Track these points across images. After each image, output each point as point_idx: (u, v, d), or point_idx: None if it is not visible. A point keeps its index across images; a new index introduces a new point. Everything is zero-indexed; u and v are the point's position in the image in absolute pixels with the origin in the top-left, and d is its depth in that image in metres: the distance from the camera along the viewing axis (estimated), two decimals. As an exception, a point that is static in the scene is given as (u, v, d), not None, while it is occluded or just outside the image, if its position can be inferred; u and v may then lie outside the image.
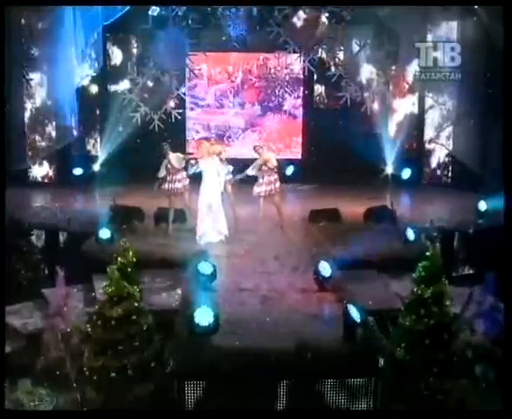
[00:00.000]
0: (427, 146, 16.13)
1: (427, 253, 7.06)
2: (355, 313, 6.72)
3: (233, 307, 7.56)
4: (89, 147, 16.53)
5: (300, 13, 14.21)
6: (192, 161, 11.32)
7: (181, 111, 15.84)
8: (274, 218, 11.14)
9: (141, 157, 15.52)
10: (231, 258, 9.80)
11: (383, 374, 6.77)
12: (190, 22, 14.49)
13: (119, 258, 7.15)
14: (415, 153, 16.32)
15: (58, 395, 6.96)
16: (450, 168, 15.94)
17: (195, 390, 6.67)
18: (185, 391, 6.74)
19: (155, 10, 14.81)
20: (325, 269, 8.36)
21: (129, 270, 7.16)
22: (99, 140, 16.28)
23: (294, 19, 14.37)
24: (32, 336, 8.66)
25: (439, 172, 16.12)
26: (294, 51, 14.49)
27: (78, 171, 15.54)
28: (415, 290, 7.07)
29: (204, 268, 8.33)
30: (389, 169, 15.85)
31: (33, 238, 11.07)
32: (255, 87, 16.89)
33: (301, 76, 16.47)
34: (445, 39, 14.62)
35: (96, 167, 15.82)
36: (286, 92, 16.70)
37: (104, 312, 7.11)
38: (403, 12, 13.84)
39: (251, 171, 11.03)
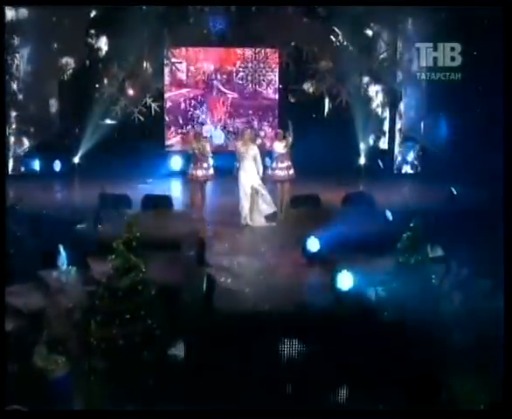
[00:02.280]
0: (400, 137, 16.79)
1: (411, 224, 7.68)
2: (343, 281, 7.30)
3: (230, 278, 8.00)
4: (71, 139, 16.68)
5: (279, 8, 14.84)
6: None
7: (160, 104, 16.32)
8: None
9: (124, 149, 15.92)
10: (221, 239, 10.23)
11: (371, 334, 7.33)
12: (170, 17, 14.95)
13: (124, 233, 7.59)
14: (388, 144, 16.98)
15: (70, 364, 7.37)
16: (421, 158, 16.64)
17: (200, 353, 7.11)
18: (190, 355, 7.16)
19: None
20: (313, 245, 8.91)
21: (134, 243, 7.60)
22: (81, 132, 16.44)
23: (272, 14, 14.98)
24: (35, 314, 9.03)
25: (411, 162, 16.80)
26: (272, 46, 15.13)
27: (60, 164, 15.87)
28: (400, 259, 7.70)
29: (198, 246, 8.79)
30: (362, 160, 16.57)
31: (26, 224, 11.28)
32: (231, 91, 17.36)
33: (277, 70, 17.06)
34: (421, 36, 15.22)
35: (77, 159, 16.12)
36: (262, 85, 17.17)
37: (111, 283, 7.54)
38: (378, 8, 14.44)
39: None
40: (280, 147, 11.68)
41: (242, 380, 7.12)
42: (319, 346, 7.13)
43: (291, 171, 11.73)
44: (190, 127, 17.15)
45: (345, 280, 7.50)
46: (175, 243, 9.72)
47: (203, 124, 17.15)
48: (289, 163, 11.73)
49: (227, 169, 11.87)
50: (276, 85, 17.17)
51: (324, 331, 7.13)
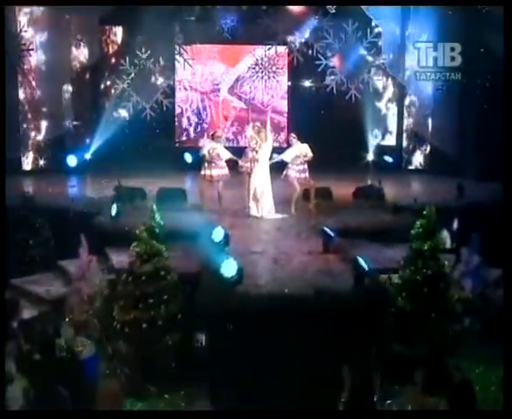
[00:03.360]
0: (407, 134, 17.04)
1: (424, 212, 7.95)
2: (363, 263, 7.56)
3: (248, 266, 8.19)
4: (84, 136, 16.91)
5: (289, 6, 15.13)
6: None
7: (171, 100, 16.58)
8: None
9: (136, 144, 16.24)
10: (237, 229, 10.45)
11: (387, 318, 7.61)
12: (182, 13, 15.21)
13: (150, 221, 7.87)
14: (395, 140, 17.23)
15: (97, 346, 7.68)
16: (428, 155, 16.89)
17: (221, 336, 7.38)
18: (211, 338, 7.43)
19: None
20: (328, 233, 9.18)
21: (157, 230, 7.88)
22: (94, 129, 16.69)
23: (283, 12, 15.27)
24: (57, 301, 9.34)
25: (418, 158, 17.05)
26: (284, 43, 15.40)
27: (75, 159, 16.18)
28: (413, 245, 7.97)
29: (217, 234, 9.04)
30: (370, 156, 16.81)
31: (44, 216, 11.54)
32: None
33: (287, 67, 17.34)
34: (421, 36, 15.47)
35: (90, 155, 16.41)
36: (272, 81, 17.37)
37: (134, 269, 7.82)
38: (386, 6, 14.69)
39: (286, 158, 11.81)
40: (291, 154, 11.80)
41: (261, 362, 7.37)
42: (337, 329, 7.36)
43: (304, 174, 11.86)
44: (198, 126, 17.45)
45: (360, 266, 7.72)
46: (192, 233, 9.97)
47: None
48: (305, 167, 11.86)
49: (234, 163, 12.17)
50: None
51: (342, 314, 7.35)
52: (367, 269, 7.50)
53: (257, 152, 11.33)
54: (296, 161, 11.72)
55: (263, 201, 11.28)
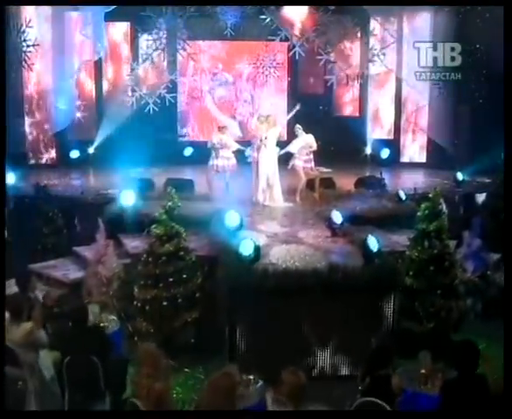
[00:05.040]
0: (404, 127, 17.46)
1: (430, 195, 8.37)
2: (372, 244, 7.96)
3: (262, 247, 8.52)
4: (89, 130, 17.19)
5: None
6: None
7: (174, 95, 16.89)
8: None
9: (139, 138, 16.55)
10: (246, 216, 10.72)
11: (397, 294, 8.03)
12: (186, 9, 15.50)
13: (168, 203, 8.23)
14: (393, 134, 17.64)
15: (121, 322, 8.05)
16: (426, 149, 17.33)
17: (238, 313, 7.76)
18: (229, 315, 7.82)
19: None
20: (337, 217, 9.57)
21: (176, 212, 8.25)
22: (98, 123, 16.98)
23: (286, 8, 15.61)
24: (75, 283, 9.69)
25: (415, 151, 17.49)
26: (286, 39, 15.74)
27: (75, 153, 16.51)
28: (419, 226, 8.40)
29: (233, 218, 9.38)
30: (368, 150, 17.21)
31: (57, 206, 11.86)
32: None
33: (286, 64, 17.74)
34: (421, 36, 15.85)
35: (92, 149, 16.73)
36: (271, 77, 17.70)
37: (154, 250, 8.18)
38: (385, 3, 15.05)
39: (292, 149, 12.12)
40: (297, 144, 12.12)
41: (280, 335, 7.76)
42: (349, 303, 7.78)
43: (310, 164, 12.20)
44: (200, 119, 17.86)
45: (370, 245, 8.11)
46: (204, 219, 10.33)
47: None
48: (310, 157, 12.21)
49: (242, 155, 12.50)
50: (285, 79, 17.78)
51: (354, 290, 7.77)
52: (376, 250, 7.90)
53: (266, 138, 11.57)
54: (302, 151, 12.06)
55: (272, 189, 11.62)
